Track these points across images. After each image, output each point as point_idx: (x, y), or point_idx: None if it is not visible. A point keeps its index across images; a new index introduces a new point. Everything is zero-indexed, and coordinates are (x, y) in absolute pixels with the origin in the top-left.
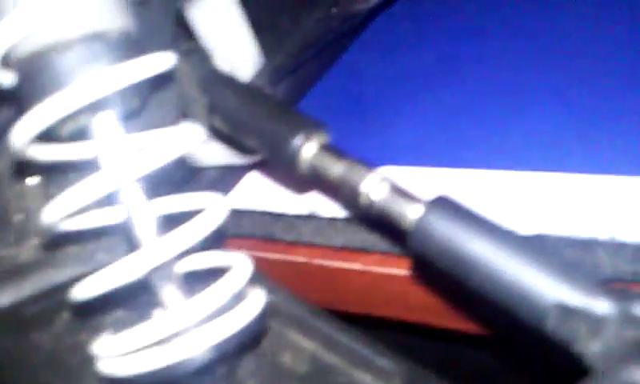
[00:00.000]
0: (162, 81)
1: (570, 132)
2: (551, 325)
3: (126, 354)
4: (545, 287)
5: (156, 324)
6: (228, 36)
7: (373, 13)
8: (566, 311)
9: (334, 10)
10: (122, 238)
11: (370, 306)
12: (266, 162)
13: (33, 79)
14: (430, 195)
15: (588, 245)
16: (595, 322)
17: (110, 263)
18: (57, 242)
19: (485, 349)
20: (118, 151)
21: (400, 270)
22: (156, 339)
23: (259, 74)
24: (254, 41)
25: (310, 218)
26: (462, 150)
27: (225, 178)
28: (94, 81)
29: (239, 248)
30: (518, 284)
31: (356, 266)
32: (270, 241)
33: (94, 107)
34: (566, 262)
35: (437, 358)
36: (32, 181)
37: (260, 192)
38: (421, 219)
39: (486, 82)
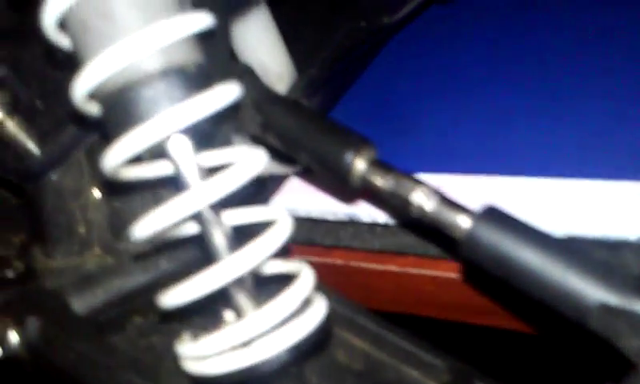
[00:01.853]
0: (231, 108)
1: (597, 139)
2: (595, 323)
3: (210, 355)
4: (588, 288)
5: (239, 329)
6: (264, 52)
7: (401, 23)
8: (609, 310)
9: (362, 23)
10: (181, 246)
11: (404, 305)
12: (306, 170)
13: (120, 110)
14: (470, 203)
15: (616, 246)
16: (637, 320)
17: (170, 271)
18: (121, 251)
19: (522, 346)
20: (197, 173)
21: (434, 271)
22: (238, 343)
23: (294, 88)
24: (288, 56)
25: (349, 223)
26: (492, 157)
27: (266, 186)
28: (177, 111)
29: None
30: (563, 286)
31: (391, 267)
32: (309, 245)
33: (171, 133)
34: (607, 264)
35: (477, 355)
36: (96, 195)
37: (300, 198)
38: (471, 229)
39: (516, 88)
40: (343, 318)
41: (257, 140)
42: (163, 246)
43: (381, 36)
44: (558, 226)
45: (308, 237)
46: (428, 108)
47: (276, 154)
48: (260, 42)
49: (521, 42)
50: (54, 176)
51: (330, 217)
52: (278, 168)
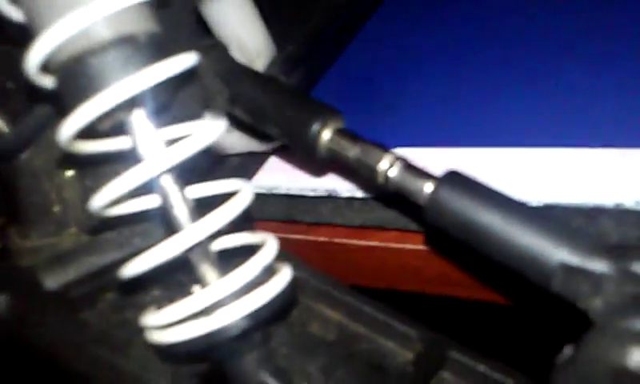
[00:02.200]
0: (186, 77)
1: (571, 107)
2: (556, 284)
3: (174, 324)
4: (549, 249)
5: (200, 297)
6: (242, 29)
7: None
8: (570, 270)
9: None
10: (155, 224)
11: (388, 280)
12: (285, 148)
13: (72, 81)
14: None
15: (593, 213)
16: (597, 280)
17: (146, 248)
18: (95, 229)
19: (497, 314)
20: (152, 144)
21: (415, 245)
22: (199, 310)
23: (272, 64)
24: (266, 32)
25: (329, 198)
26: (469, 129)
27: (246, 165)
28: (127, 82)
29: (263, 230)
30: (525, 248)
31: (373, 242)
32: (291, 222)
33: (128, 105)
34: (568, 226)
35: (451, 326)
36: (69, 174)
37: (280, 176)
38: (433, 193)
39: (492, 62)
40: (318, 291)
41: (228, 115)
42: (138, 223)
43: (361, 11)
44: (535, 195)
45: (289, 214)
46: (408, 83)
47: (252, 131)
48: (237, 19)
49: (501, 15)
50: (25, 156)
51: (310, 193)
52: (256, 145)
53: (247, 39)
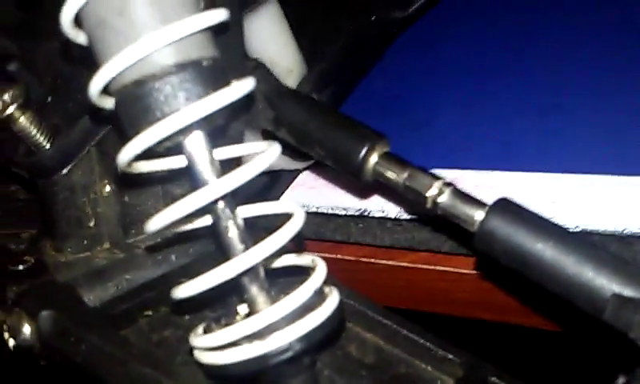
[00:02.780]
0: (243, 102)
1: (609, 134)
2: (609, 314)
3: (226, 346)
4: (603, 279)
5: (254, 321)
6: (274, 46)
7: (410, 18)
8: (623, 301)
9: (373, 17)
10: (190, 241)
11: (415, 301)
12: (315, 166)
13: (134, 105)
14: (482, 198)
15: (628, 240)
16: None
17: (180, 266)
18: (130, 246)
19: (536, 341)
20: (210, 168)
21: (445, 267)
22: (251, 333)
23: (303, 82)
24: (297, 49)
25: (359, 218)
26: (504, 152)
27: (278, 181)
28: (189, 109)
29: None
30: (578, 277)
31: (402, 263)
32: (319, 240)
33: (188, 129)
34: (620, 257)
35: (491, 351)
36: (106, 190)
37: (310, 194)
38: (484, 221)
39: (528, 84)
40: (356, 313)
41: (269, 134)
42: (174, 240)
43: (392, 30)
44: (571, 221)
45: (318, 232)
46: (439, 103)
47: (287, 149)
48: (270, 37)
49: (532, 38)
50: (64, 171)
51: (341, 212)
52: (288, 163)
53: (279, 56)
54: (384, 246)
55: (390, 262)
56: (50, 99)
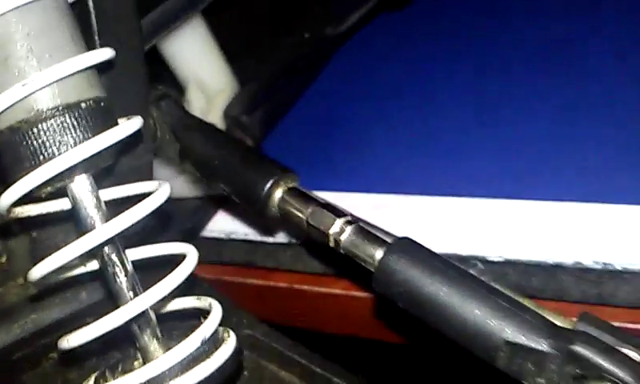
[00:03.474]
0: (132, 141)
1: (534, 160)
2: (502, 361)
3: None
4: (495, 326)
5: (144, 372)
6: (201, 66)
7: (343, 37)
8: (515, 348)
9: (306, 34)
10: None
11: (348, 326)
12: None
13: (10, 150)
14: (400, 226)
15: (552, 270)
16: (540, 359)
17: (92, 303)
18: (42, 283)
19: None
20: (95, 212)
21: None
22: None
23: (235, 102)
24: (228, 70)
25: (287, 245)
26: (430, 176)
27: (204, 207)
28: (68, 154)
29: (222, 275)
30: (470, 323)
31: (334, 290)
32: (250, 267)
33: (70, 173)
34: (515, 304)
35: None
36: (14, 227)
37: (237, 221)
38: (381, 261)
39: (459, 105)
40: (270, 351)
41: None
42: (85, 277)
43: (325, 48)
44: (496, 250)
45: (248, 259)
46: (372, 125)
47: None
48: (197, 57)
49: (468, 55)
50: None
51: (269, 239)
52: (205, 190)
53: (207, 77)
54: (315, 273)
55: (322, 289)
56: None
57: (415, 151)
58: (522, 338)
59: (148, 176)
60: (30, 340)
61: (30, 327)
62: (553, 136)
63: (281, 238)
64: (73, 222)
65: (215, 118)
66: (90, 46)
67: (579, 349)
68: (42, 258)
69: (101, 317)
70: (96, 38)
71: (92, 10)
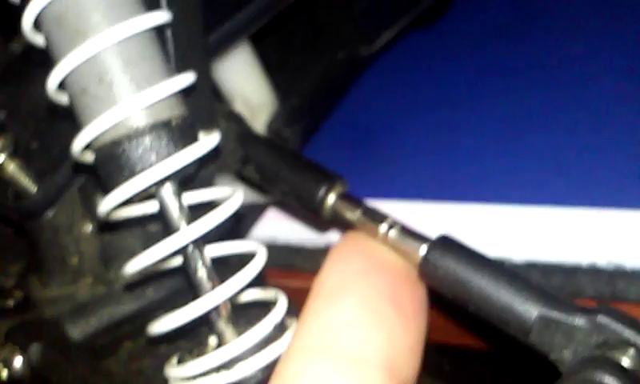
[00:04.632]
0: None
1: (555, 168)
2: (534, 336)
3: (197, 376)
4: (530, 303)
5: (221, 353)
6: (247, 85)
7: (376, 54)
8: (547, 322)
9: (341, 54)
10: (165, 276)
11: None
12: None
13: (111, 162)
14: (432, 230)
15: (570, 271)
16: (569, 331)
17: (156, 300)
18: (111, 281)
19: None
20: (181, 215)
21: None
22: (220, 364)
23: (275, 117)
24: (269, 86)
25: (327, 250)
26: (461, 184)
27: (248, 215)
28: (161, 165)
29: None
30: (507, 303)
31: None
32: (289, 270)
33: (161, 182)
34: (548, 285)
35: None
36: (87, 228)
37: (279, 228)
38: (425, 257)
39: (487, 117)
40: None
41: (237, 174)
42: (150, 276)
43: (359, 65)
44: (519, 252)
45: (288, 262)
46: (404, 135)
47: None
48: (243, 77)
49: (496, 69)
50: (50, 213)
51: (309, 244)
52: (254, 197)
53: (252, 94)
54: None
55: None
56: (35, 145)
57: (444, 161)
58: (553, 313)
59: (211, 182)
60: (107, 331)
61: (105, 320)
62: (574, 147)
63: (319, 243)
64: (139, 227)
65: (259, 130)
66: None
67: (605, 319)
68: (112, 259)
69: (168, 309)
70: (173, 62)
71: (170, 37)
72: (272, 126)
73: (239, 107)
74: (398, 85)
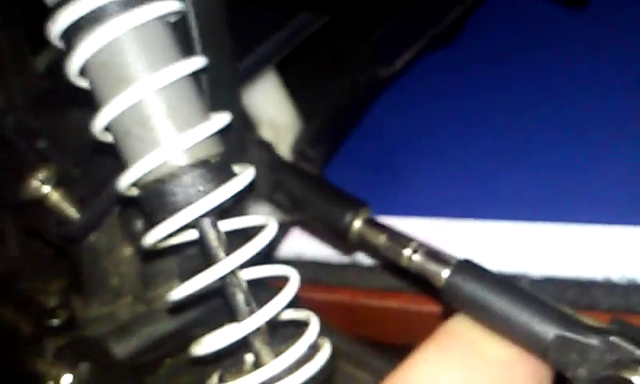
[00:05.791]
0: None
1: (570, 186)
2: (551, 355)
3: None
4: (547, 324)
5: (259, 375)
6: (273, 109)
7: (394, 76)
8: (564, 341)
9: (361, 76)
10: (202, 296)
11: (407, 338)
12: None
13: (155, 198)
14: (453, 248)
15: (586, 286)
16: (584, 349)
17: (194, 319)
18: (149, 300)
19: None
20: (220, 246)
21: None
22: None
23: (300, 139)
24: (293, 110)
25: (351, 266)
26: (478, 202)
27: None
28: (202, 202)
29: None
30: (526, 324)
31: (393, 304)
32: (315, 284)
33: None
34: (564, 307)
35: None
36: (126, 251)
37: (305, 245)
38: (448, 280)
39: (502, 135)
40: (347, 355)
41: (268, 199)
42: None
43: (378, 86)
44: (537, 268)
45: (314, 277)
46: (421, 153)
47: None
48: (269, 102)
49: (510, 88)
50: (92, 238)
51: (335, 260)
52: (281, 217)
53: (278, 118)
54: (376, 289)
55: (383, 303)
56: (76, 172)
57: (461, 179)
58: (568, 333)
59: (245, 208)
60: (148, 349)
61: (145, 338)
62: (590, 165)
63: (344, 259)
64: (176, 252)
65: (284, 151)
66: None
67: (617, 340)
68: (151, 279)
69: (205, 329)
70: (208, 100)
71: (205, 79)
72: (297, 147)
73: (265, 130)
74: (414, 104)
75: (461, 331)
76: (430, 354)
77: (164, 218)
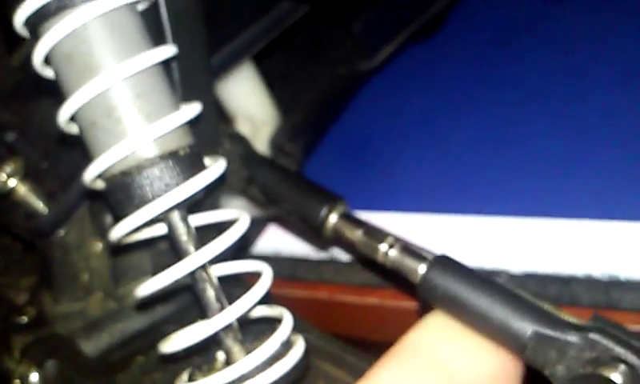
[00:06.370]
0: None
1: (552, 180)
2: (529, 352)
3: None
4: (525, 321)
5: (230, 372)
6: (250, 102)
7: (375, 70)
8: (542, 339)
9: (341, 69)
10: (173, 293)
11: (385, 334)
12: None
13: (121, 190)
14: (432, 243)
15: (567, 280)
16: (562, 347)
17: (165, 315)
18: (121, 297)
19: None
20: (189, 240)
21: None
22: (229, 381)
23: (278, 132)
24: (271, 102)
25: (330, 262)
26: (457, 196)
27: (251, 228)
28: (170, 195)
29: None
30: (503, 321)
31: (372, 300)
32: (294, 280)
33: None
34: (541, 304)
35: None
36: (97, 246)
37: (282, 242)
38: (424, 275)
39: (483, 129)
40: (323, 352)
41: (241, 193)
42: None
43: (359, 79)
44: (517, 263)
45: (292, 273)
46: (401, 147)
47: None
48: (245, 93)
49: (494, 80)
50: (61, 232)
51: (313, 257)
52: (257, 212)
53: (255, 111)
54: (354, 285)
55: (361, 299)
56: (45, 165)
57: (441, 173)
58: (547, 330)
59: (216, 202)
60: (119, 346)
61: (117, 336)
62: (570, 159)
63: (322, 255)
64: (145, 247)
65: (262, 145)
66: None
67: (597, 336)
68: (122, 275)
69: (177, 326)
70: (179, 90)
71: (175, 68)
72: (275, 141)
73: (242, 124)
74: (395, 96)
75: (424, 343)
76: (391, 371)
77: (130, 212)
